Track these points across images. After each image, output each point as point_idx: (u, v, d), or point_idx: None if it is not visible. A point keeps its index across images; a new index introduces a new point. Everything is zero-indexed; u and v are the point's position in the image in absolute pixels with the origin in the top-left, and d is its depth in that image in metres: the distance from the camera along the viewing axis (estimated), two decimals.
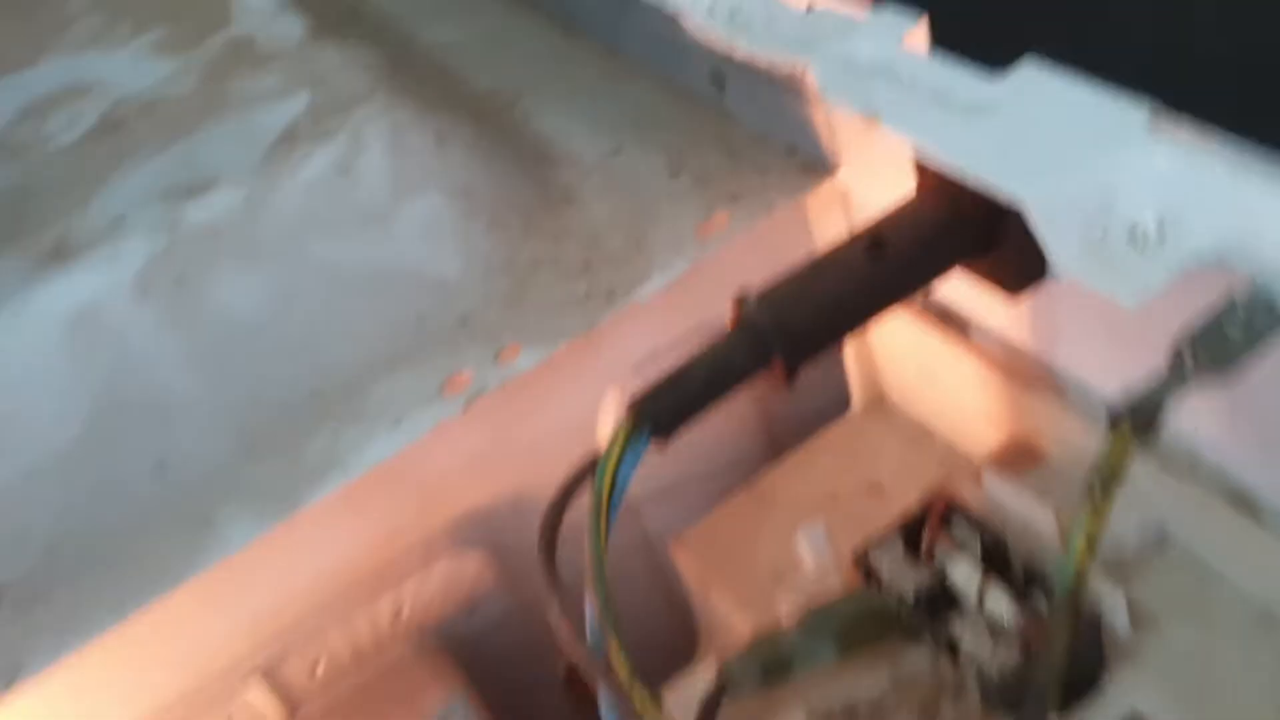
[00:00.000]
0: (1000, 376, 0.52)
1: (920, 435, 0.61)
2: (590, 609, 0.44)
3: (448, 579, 0.61)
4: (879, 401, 0.63)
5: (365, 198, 0.58)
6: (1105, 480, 0.32)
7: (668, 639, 0.67)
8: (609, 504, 0.43)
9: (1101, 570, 0.46)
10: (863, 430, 0.62)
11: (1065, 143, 0.38)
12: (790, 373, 0.45)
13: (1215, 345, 0.33)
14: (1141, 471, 0.48)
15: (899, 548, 0.48)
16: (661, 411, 0.43)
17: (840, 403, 0.64)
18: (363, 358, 0.56)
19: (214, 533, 0.50)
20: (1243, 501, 0.46)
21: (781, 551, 0.58)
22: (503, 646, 0.64)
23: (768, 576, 0.58)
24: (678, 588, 0.64)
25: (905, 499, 0.58)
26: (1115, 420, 0.33)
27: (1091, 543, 0.32)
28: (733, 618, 0.58)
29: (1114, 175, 0.36)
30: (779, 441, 0.66)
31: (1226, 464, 0.46)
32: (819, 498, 0.61)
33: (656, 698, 0.42)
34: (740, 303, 0.44)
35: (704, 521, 0.62)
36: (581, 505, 0.44)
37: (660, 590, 0.67)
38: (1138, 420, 0.32)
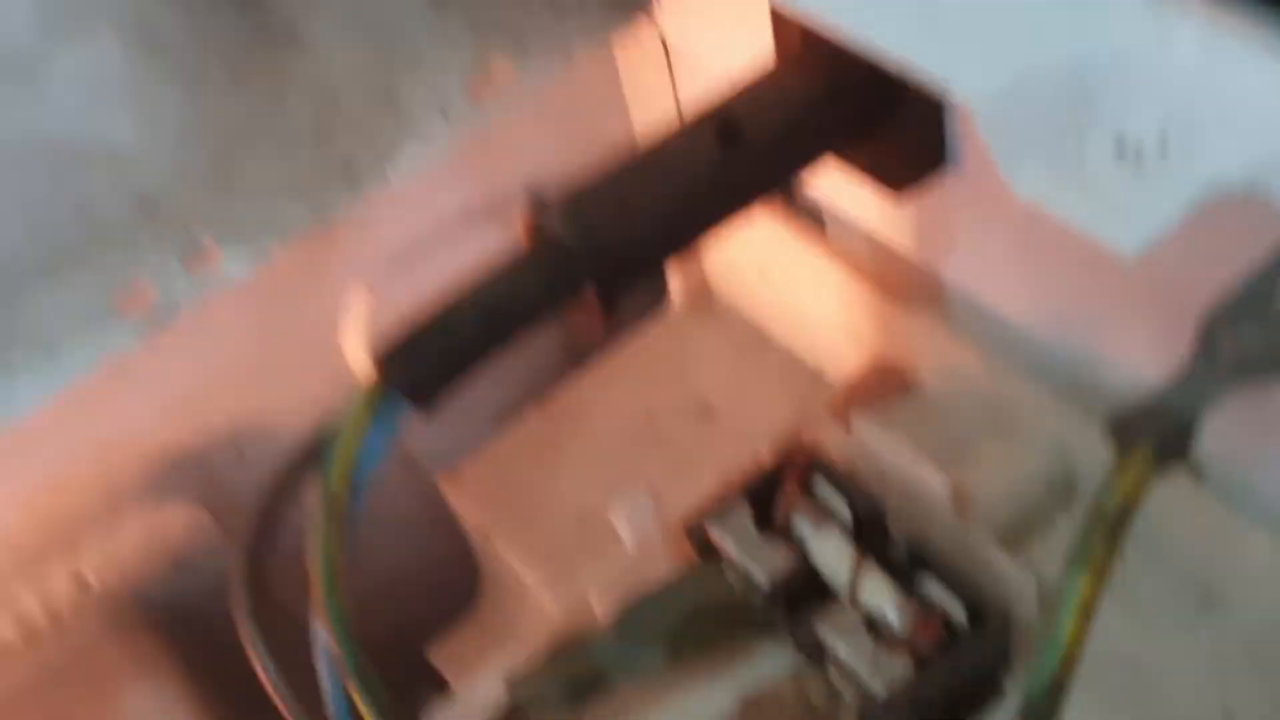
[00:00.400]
0: (868, 285, 0.40)
1: (756, 342, 0.49)
2: (323, 640, 0.31)
3: (146, 537, 0.47)
4: (705, 299, 0.50)
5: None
6: (1111, 527, 0.21)
7: (450, 579, 0.56)
8: (346, 502, 0.30)
9: (1000, 532, 0.36)
10: (686, 335, 0.50)
11: (1025, 5, 0.25)
12: (608, 305, 0.32)
13: (1262, 322, 0.22)
14: (1046, 406, 0.37)
15: (745, 517, 0.37)
16: (420, 375, 0.30)
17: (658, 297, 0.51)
18: (8, 264, 0.40)
19: None
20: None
21: (584, 488, 0.47)
22: (223, 609, 0.51)
23: (569, 520, 0.47)
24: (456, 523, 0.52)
25: (739, 424, 0.47)
26: (1125, 440, 0.21)
27: (1087, 614, 0.21)
28: (523, 574, 0.47)
29: (1098, 59, 0.24)
30: (581, 347, 0.54)
31: None
32: (632, 420, 0.49)
33: None
34: (536, 211, 0.31)
35: (485, 450, 0.49)
36: None
37: (437, 524, 0.54)
38: (1163, 444, 0.21)
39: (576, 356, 0.52)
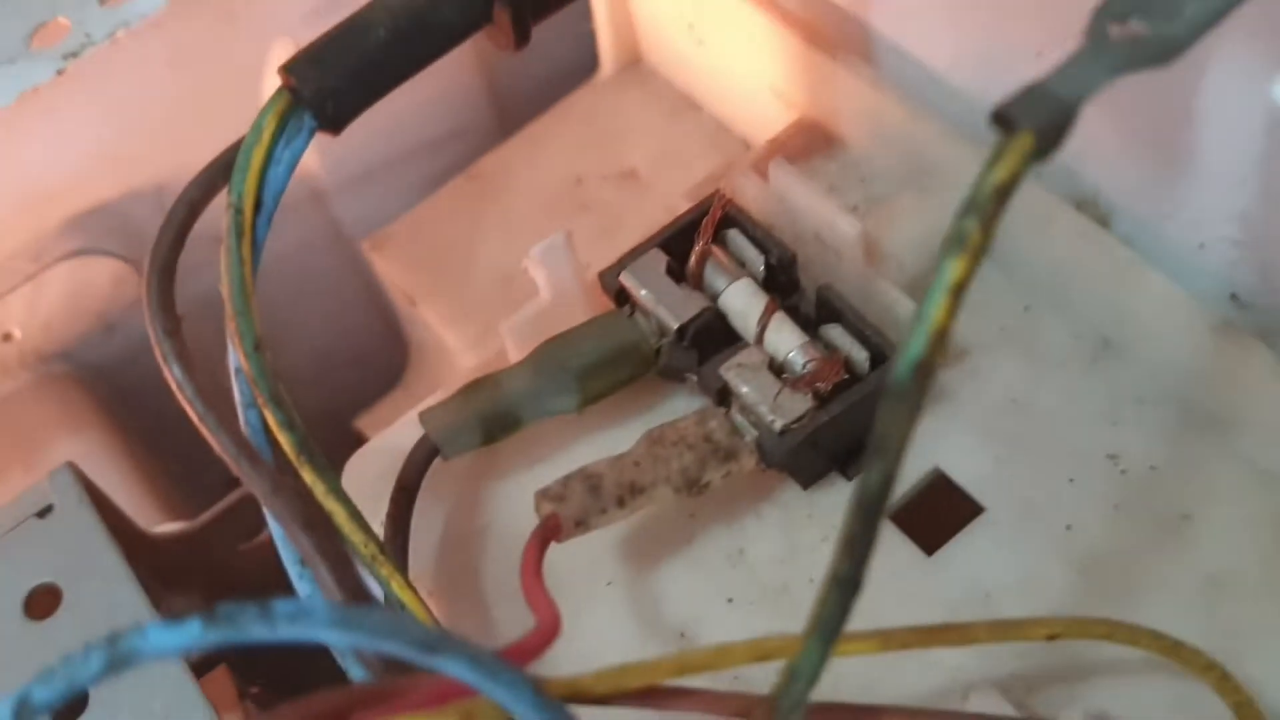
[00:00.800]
0: (797, 35, 0.40)
1: (685, 107, 0.48)
2: (235, 361, 0.31)
3: (70, 292, 0.46)
4: (634, 63, 0.50)
5: None
6: (986, 211, 0.21)
7: (377, 351, 0.56)
8: (254, 219, 0.30)
9: (909, 283, 0.37)
10: (614, 99, 0.49)
11: None
12: (519, 28, 0.31)
13: (1156, 5, 0.22)
14: (962, 157, 0.38)
15: (660, 266, 0.37)
16: (328, 87, 0.30)
17: (586, 63, 0.50)
18: None
19: None
20: (1090, 207, 0.37)
21: (509, 253, 0.47)
22: (156, 369, 0.51)
23: (493, 283, 0.47)
24: (384, 292, 0.52)
25: (666, 189, 0.46)
26: (1007, 124, 0.21)
27: (957, 298, 0.22)
28: (446, 336, 0.47)
29: None
30: (508, 111, 0.53)
31: (1074, 161, 0.36)
32: (558, 184, 0.49)
33: (329, 473, 0.31)
34: None
35: (408, 215, 0.49)
36: None
37: (363, 294, 0.54)
38: (1040, 125, 0.21)
39: (504, 122, 0.52)
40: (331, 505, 0.31)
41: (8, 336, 0.46)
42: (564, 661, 0.27)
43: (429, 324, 0.48)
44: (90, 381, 0.48)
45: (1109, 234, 0.35)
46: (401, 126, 0.51)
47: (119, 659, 0.21)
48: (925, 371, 0.22)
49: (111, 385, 0.49)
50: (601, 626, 0.34)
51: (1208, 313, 0.33)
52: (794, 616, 0.27)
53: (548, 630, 0.27)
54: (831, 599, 0.23)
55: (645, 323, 0.37)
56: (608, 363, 0.36)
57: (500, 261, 0.47)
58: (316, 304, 0.55)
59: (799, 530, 0.35)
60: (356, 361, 0.57)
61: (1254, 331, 0.33)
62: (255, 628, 0.21)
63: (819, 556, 0.34)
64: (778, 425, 0.34)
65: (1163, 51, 0.21)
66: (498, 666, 0.22)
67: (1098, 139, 0.35)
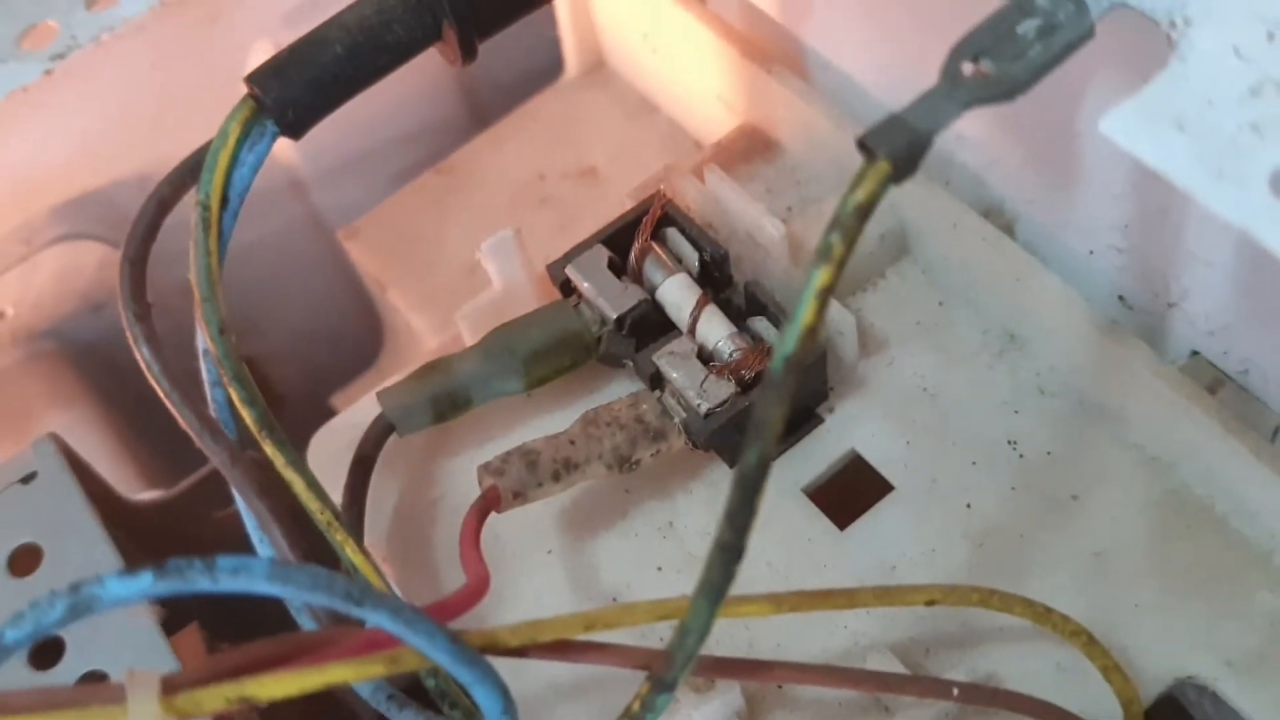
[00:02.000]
0: (737, 49, 0.43)
1: (643, 110, 0.51)
2: (202, 344, 0.34)
3: (59, 274, 0.49)
4: (597, 66, 0.52)
5: None
6: (848, 228, 0.24)
7: (353, 334, 0.59)
8: (220, 215, 0.33)
9: (838, 290, 0.40)
10: (577, 101, 0.52)
11: None
12: (466, 45, 0.34)
13: (1003, 49, 0.25)
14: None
15: (602, 260, 0.40)
16: (288, 97, 0.32)
17: (552, 66, 0.53)
18: None
19: None
20: (997, 215, 0.40)
21: (474, 243, 0.49)
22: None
23: (457, 272, 0.50)
24: (359, 278, 0.55)
25: (622, 186, 0.49)
26: (868, 151, 0.24)
27: (823, 301, 0.25)
28: (414, 320, 0.50)
29: None
30: (479, 110, 0.56)
31: (983, 173, 0.39)
32: (522, 180, 0.51)
33: (288, 447, 0.34)
34: None
35: (381, 206, 0.52)
36: None
37: (340, 280, 0.57)
38: (897, 153, 0.24)
39: (476, 121, 0.55)
40: (290, 476, 0.34)
41: (0, 315, 0.49)
42: (505, 621, 0.30)
43: (398, 309, 0.51)
44: (77, 358, 0.51)
45: (1011, 240, 0.37)
46: (376, 122, 0.54)
47: (80, 605, 0.24)
48: (796, 365, 0.25)
49: (97, 362, 0.52)
50: (540, 591, 0.37)
51: (1098, 313, 0.36)
52: None
53: (474, 589, 0.30)
54: (717, 563, 0.26)
55: (588, 312, 0.39)
56: (552, 349, 0.39)
57: (465, 252, 0.50)
58: (295, 289, 0.58)
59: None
60: (333, 343, 0.60)
61: (1138, 330, 0.36)
62: (200, 580, 0.24)
63: None
64: (703, 408, 0.37)
65: (1008, 89, 0.24)
66: (417, 618, 0.25)
67: (1003, 155, 0.38)
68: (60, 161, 0.47)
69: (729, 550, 0.26)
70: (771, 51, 0.43)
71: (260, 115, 0.33)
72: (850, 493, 0.38)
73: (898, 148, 0.24)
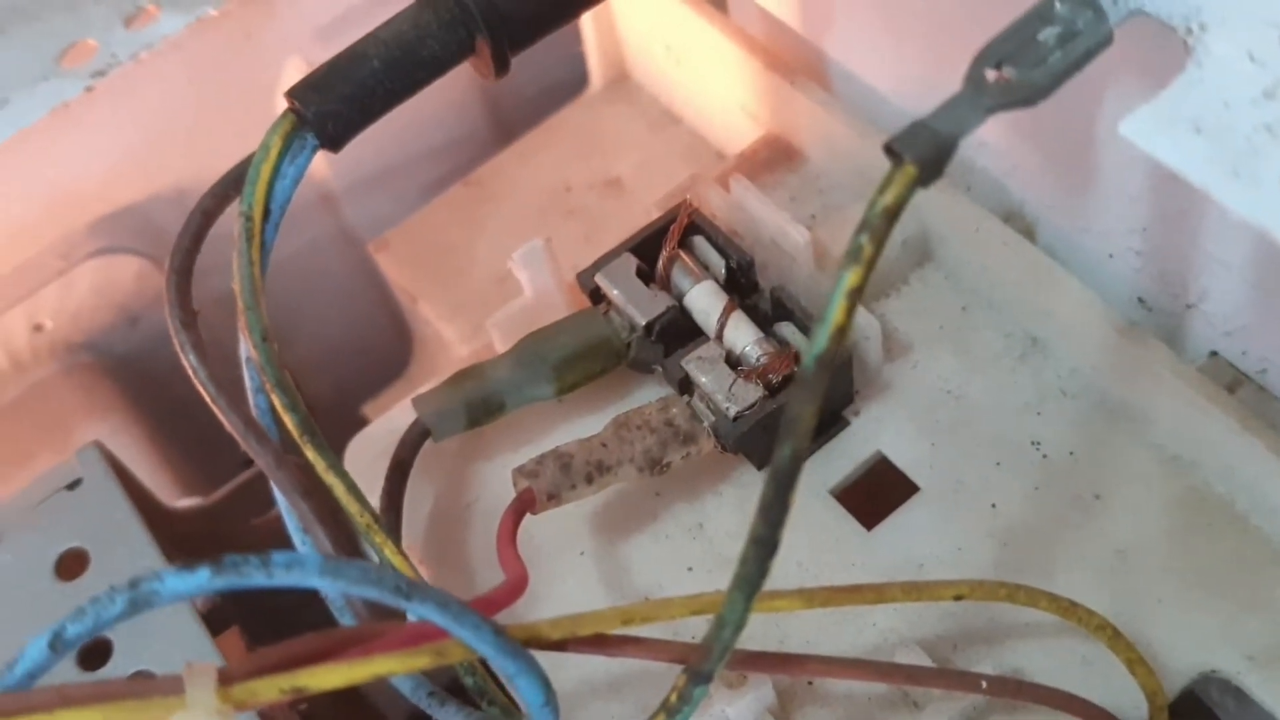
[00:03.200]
0: (760, 61, 0.44)
1: (666, 122, 0.52)
2: (245, 351, 0.35)
3: (97, 287, 0.50)
4: (621, 80, 0.53)
5: None
6: (877, 230, 0.25)
7: (383, 344, 0.60)
8: (262, 226, 0.34)
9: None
10: (601, 114, 0.53)
11: None
12: (499, 59, 0.35)
13: (1025, 56, 0.25)
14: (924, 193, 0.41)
15: (630, 268, 0.41)
16: (327, 110, 0.33)
17: (577, 80, 0.54)
18: None
19: None
20: (1017, 219, 0.40)
21: (503, 254, 0.50)
22: (175, 358, 0.55)
23: (487, 282, 0.51)
24: (389, 289, 0.56)
25: (646, 197, 0.50)
26: (895, 156, 0.25)
27: (853, 301, 0.25)
28: (444, 330, 0.51)
29: None
30: (506, 123, 0.57)
31: (1004, 178, 0.40)
32: (549, 191, 0.52)
33: (329, 451, 0.35)
34: None
35: (412, 218, 0.53)
36: None
37: (370, 291, 0.58)
38: (923, 158, 0.25)
39: (502, 134, 0.56)
40: (331, 480, 0.35)
41: (39, 327, 0.50)
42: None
43: (429, 319, 0.52)
44: (114, 369, 0.52)
45: (1032, 244, 0.38)
46: (405, 136, 0.55)
47: (139, 600, 0.25)
48: (826, 363, 0.25)
49: (134, 372, 0.53)
50: (574, 591, 0.38)
51: (1118, 315, 0.37)
52: None
53: (514, 586, 0.31)
54: (751, 557, 0.27)
55: (617, 319, 0.40)
56: (582, 355, 0.40)
57: (494, 262, 0.51)
58: (328, 299, 0.59)
59: (753, 507, 0.39)
60: (364, 352, 0.61)
61: (1158, 331, 0.37)
62: (256, 574, 0.25)
63: None
64: (732, 411, 0.38)
65: (1030, 95, 0.25)
66: (464, 611, 0.26)
67: (1023, 160, 0.39)
68: (98, 176, 0.49)
69: (763, 544, 0.27)
70: (794, 62, 0.44)
71: (301, 129, 0.34)
72: (877, 494, 0.39)
73: (924, 152, 0.25)
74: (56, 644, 0.25)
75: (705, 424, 0.38)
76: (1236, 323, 0.35)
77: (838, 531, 0.38)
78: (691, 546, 0.39)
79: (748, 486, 0.39)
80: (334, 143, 0.35)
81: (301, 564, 0.25)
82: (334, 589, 0.26)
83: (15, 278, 0.48)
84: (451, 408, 0.39)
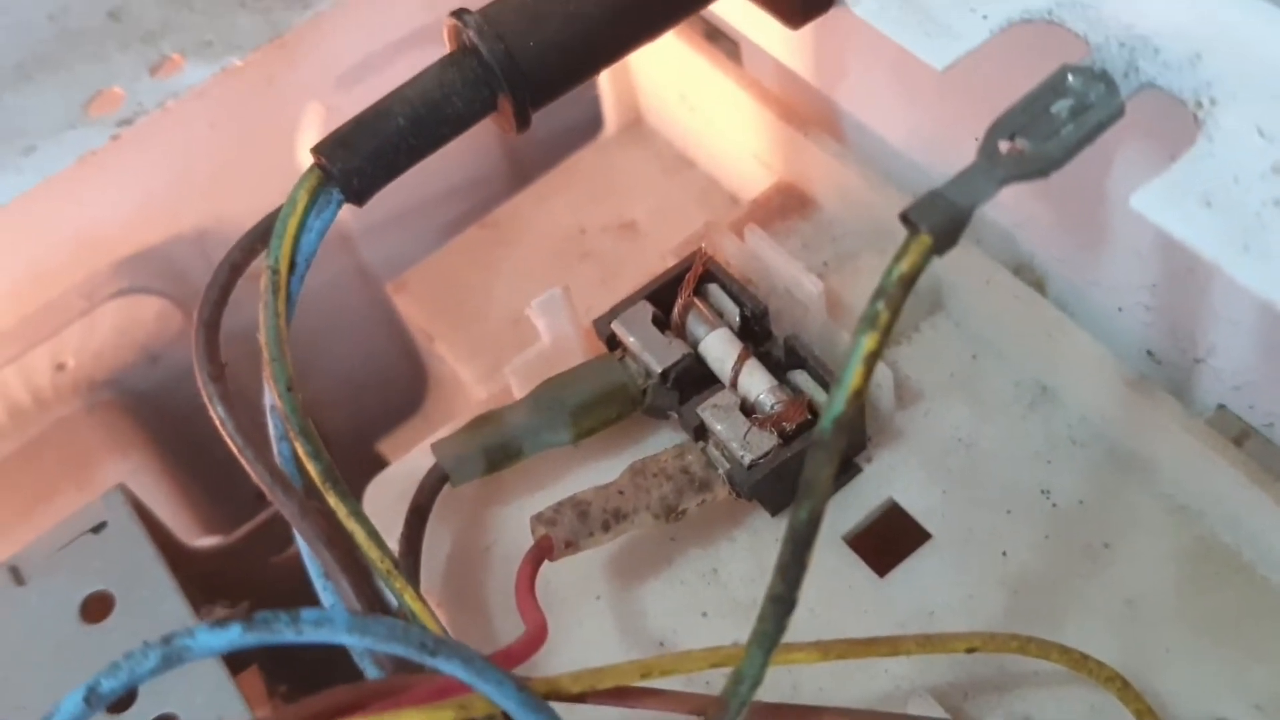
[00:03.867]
0: (773, 111, 0.45)
1: (680, 165, 0.53)
2: (270, 399, 0.36)
3: (119, 327, 0.51)
4: (635, 123, 0.54)
5: None
6: (893, 297, 0.26)
7: (399, 381, 0.61)
8: (288, 278, 0.35)
9: None
10: (616, 157, 0.54)
11: None
12: (520, 116, 0.36)
13: (1038, 128, 0.26)
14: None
15: (646, 315, 0.41)
16: (353, 166, 0.34)
17: (592, 124, 0.55)
18: None
19: None
20: (1027, 271, 0.41)
21: (518, 295, 0.51)
22: (194, 397, 0.56)
23: (502, 323, 0.52)
24: (406, 329, 0.56)
25: (660, 241, 0.51)
26: (911, 225, 0.26)
27: (870, 366, 0.26)
28: (460, 370, 0.52)
29: None
30: (522, 166, 0.58)
31: (1014, 231, 0.41)
32: (564, 234, 0.53)
33: (350, 499, 0.35)
34: (458, 23, 0.34)
35: (429, 260, 0.54)
36: None
37: (386, 330, 0.59)
38: (938, 228, 0.25)
39: (518, 176, 0.56)
40: (352, 526, 0.35)
41: (61, 366, 0.51)
42: (557, 666, 0.32)
43: (445, 359, 0.53)
44: (135, 408, 0.53)
45: (1042, 297, 0.39)
46: (424, 178, 0.55)
47: (172, 656, 0.26)
48: (844, 425, 0.26)
49: (155, 411, 0.54)
50: (590, 636, 0.39)
51: (1127, 367, 0.37)
52: None
53: (534, 637, 0.31)
54: (769, 614, 0.27)
55: (633, 366, 0.41)
56: (599, 402, 0.41)
57: (510, 304, 0.52)
58: (345, 337, 0.59)
59: (767, 552, 0.40)
60: (380, 389, 0.61)
61: (1167, 384, 0.37)
62: (286, 632, 0.26)
63: None
64: (746, 459, 0.38)
65: (1043, 166, 0.26)
66: (488, 667, 0.27)
67: (1034, 215, 0.39)
68: (122, 220, 0.49)
69: (781, 602, 0.27)
70: (806, 113, 0.45)
71: (327, 184, 0.35)
72: (889, 541, 0.39)
73: (938, 222, 0.26)
74: (91, 699, 0.26)
75: (720, 471, 0.39)
76: (1244, 378, 0.36)
77: (850, 578, 0.38)
78: (706, 592, 0.39)
79: (761, 532, 0.40)
80: (359, 197, 0.35)
81: (330, 622, 0.26)
82: (361, 645, 0.27)
83: (39, 317, 0.49)
84: (469, 453, 0.40)
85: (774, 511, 0.40)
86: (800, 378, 0.40)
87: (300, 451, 0.36)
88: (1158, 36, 0.28)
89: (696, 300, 0.41)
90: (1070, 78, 0.27)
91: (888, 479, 0.40)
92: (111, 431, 0.52)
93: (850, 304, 0.42)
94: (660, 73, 0.50)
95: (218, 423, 0.35)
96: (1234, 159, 0.25)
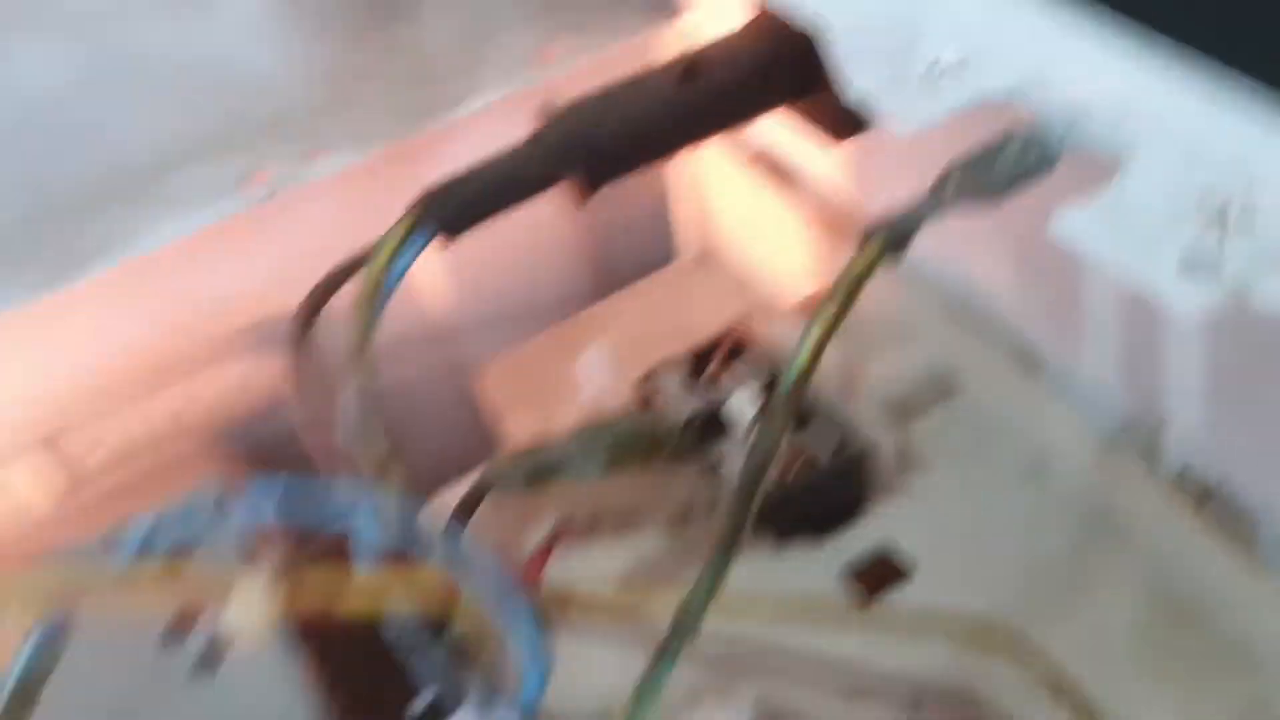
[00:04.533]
0: (820, 229, 0.52)
1: (742, 289, 0.60)
2: (347, 396, 0.42)
3: (241, 381, 0.59)
4: (708, 253, 0.62)
5: None
6: (847, 289, 0.32)
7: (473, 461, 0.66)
8: (381, 290, 0.42)
9: (879, 408, 0.47)
10: (686, 279, 0.61)
11: None
12: (587, 188, 0.43)
13: (982, 174, 0.32)
14: (936, 321, 0.48)
15: (681, 374, 0.48)
16: (450, 209, 0.42)
17: (670, 252, 0.63)
18: (162, 146, 0.54)
19: None
20: (1029, 359, 0.46)
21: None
22: (305, 453, 0.62)
23: (574, 410, 0.58)
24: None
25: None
26: (870, 232, 0.32)
27: (820, 346, 0.32)
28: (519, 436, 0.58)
29: (924, 8, 0.36)
30: (604, 286, 0.65)
31: (1016, 321, 0.46)
32: (629, 339, 0.60)
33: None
34: (545, 112, 0.43)
35: (511, 353, 0.61)
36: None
37: (466, 411, 0.65)
38: (891, 236, 0.32)
39: (601, 294, 0.64)
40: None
41: (182, 410, 0.58)
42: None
43: (511, 439, 0.58)
44: (242, 459, 0.60)
45: (1037, 381, 0.44)
46: (519, 288, 0.63)
47: None
48: (794, 399, 0.32)
49: (259, 462, 0.60)
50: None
51: (1103, 436, 0.42)
52: None
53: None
54: (731, 516, 0.32)
55: (665, 417, 0.47)
56: (630, 443, 0.46)
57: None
58: (425, 420, 0.65)
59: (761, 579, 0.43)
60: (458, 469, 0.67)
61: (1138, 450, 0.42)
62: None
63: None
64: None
65: (980, 197, 0.32)
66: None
67: (1030, 305, 0.45)
68: (255, 285, 0.57)
69: (734, 522, 0.32)
70: (846, 224, 0.52)
71: (425, 222, 0.42)
72: (881, 579, 0.44)
73: (893, 235, 0.32)
74: None
75: (727, 499, 0.44)
76: (1198, 439, 0.40)
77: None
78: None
79: (756, 563, 0.44)
80: (448, 237, 0.42)
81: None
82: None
83: (169, 366, 0.57)
84: (513, 470, 0.46)
85: (776, 543, 0.44)
86: (809, 435, 0.45)
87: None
88: (1091, 106, 0.34)
89: (728, 366, 0.48)
90: (1014, 138, 0.33)
91: (884, 526, 0.44)
92: (219, 470, 0.58)
93: (865, 379, 0.48)
94: (727, 201, 0.58)
95: (295, 376, 0.41)
96: (1138, 196, 0.31)
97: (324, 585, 0.31)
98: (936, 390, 0.48)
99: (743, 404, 0.46)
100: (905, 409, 0.47)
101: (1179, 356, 0.39)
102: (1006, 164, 0.33)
